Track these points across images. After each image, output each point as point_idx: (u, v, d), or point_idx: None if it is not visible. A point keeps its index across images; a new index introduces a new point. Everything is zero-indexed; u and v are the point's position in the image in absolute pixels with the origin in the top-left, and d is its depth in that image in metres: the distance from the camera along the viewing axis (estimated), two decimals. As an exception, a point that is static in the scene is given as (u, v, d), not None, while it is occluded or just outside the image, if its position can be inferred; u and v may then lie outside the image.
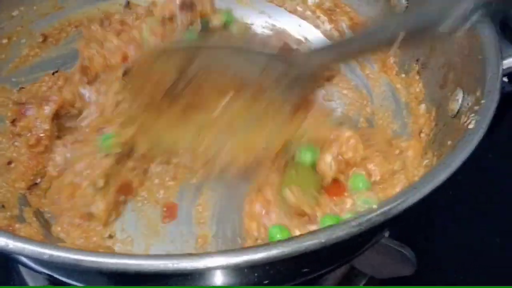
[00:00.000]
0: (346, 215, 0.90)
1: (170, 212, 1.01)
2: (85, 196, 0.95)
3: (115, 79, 1.08)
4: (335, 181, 0.96)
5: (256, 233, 0.94)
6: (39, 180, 1.05)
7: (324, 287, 1.05)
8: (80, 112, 1.11)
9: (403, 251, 0.98)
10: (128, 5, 1.35)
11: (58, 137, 1.08)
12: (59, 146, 1.05)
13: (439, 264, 1.09)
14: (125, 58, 1.16)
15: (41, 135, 1.05)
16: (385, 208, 0.70)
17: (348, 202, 0.91)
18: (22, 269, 1.08)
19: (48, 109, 1.06)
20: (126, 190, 1.00)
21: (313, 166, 0.96)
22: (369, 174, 0.96)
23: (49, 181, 1.04)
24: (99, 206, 0.94)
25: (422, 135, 1.05)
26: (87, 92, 1.12)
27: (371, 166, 0.97)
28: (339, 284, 1.06)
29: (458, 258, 1.12)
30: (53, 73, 1.22)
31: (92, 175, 0.96)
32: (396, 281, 1.04)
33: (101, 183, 0.96)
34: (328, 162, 0.95)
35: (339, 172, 0.96)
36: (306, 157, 0.95)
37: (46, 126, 1.05)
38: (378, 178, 0.96)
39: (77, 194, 0.96)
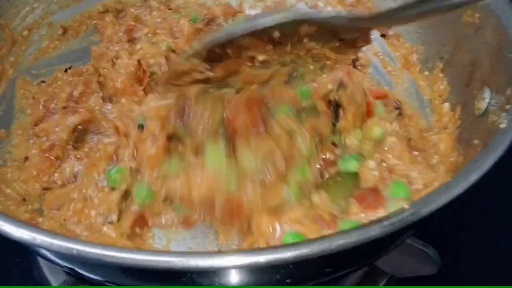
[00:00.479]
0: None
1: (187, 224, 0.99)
2: (97, 227, 0.92)
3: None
4: (373, 191, 0.90)
5: (269, 229, 0.92)
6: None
7: (344, 287, 1.04)
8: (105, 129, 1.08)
9: (426, 250, 0.97)
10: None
11: (75, 148, 1.06)
12: (71, 158, 1.03)
13: (462, 264, 1.08)
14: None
15: (56, 143, 1.03)
16: (417, 208, 0.69)
17: (380, 213, 0.86)
18: (42, 263, 1.07)
19: (71, 120, 1.04)
20: (141, 223, 0.95)
21: (355, 174, 0.93)
22: (411, 182, 0.92)
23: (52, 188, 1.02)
24: (112, 235, 0.92)
25: (448, 131, 1.03)
26: (108, 109, 1.10)
27: (414, 174, 0.93)
28: (360, 282, 1.05)
29: (481, 258, 1.10)
30: (65, 70, 1.22)
31: (102, 207, 0.93)
32: (418, 281, 1.03)
33: (114, 218, 0.92)
34: (371, 168, 0.92)
35: (381, 180, 0.92)
36: (350, 164, 0.93)
37: (64, 136, 1.04)
38: (420, 186, 0.92)
39: (86, 222, 0.93)
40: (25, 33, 1.22)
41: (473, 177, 0.74)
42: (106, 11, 1.31)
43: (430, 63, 1.17)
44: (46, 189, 1.02)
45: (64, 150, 1.04)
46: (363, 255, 0.84)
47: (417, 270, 1.01)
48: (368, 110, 1.01)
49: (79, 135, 1.06)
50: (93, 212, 0.92)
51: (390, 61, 1.26)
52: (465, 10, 1.06)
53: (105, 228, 0.91)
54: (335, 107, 0.99)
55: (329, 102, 0.98)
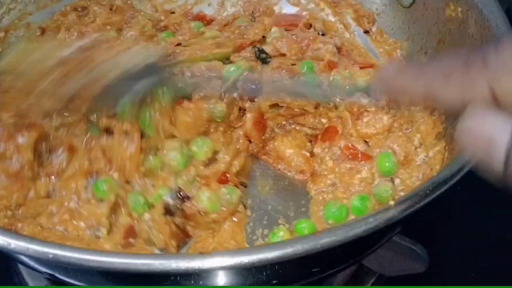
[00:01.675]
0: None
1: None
2: (87, 240, 0.87)
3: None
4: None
5: None
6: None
7: (332, 287, 1.03)
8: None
9: (414, 248, 0.96)
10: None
11: (40, 164, 0.94)
12: (42, 176, 0.93)
13: (451, 262, 1.07)
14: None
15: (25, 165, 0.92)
16: (403, 205, 0.68)
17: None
18: (23, 269, 1.05)
19: (25, 139, 0.92)
20: (133, 234, 0.89)
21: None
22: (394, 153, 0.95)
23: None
24: (105, 247, 0.86)
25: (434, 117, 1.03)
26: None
27: (394, 146, 0.96)
28: (348, 281, 1.04)
29: (470, 255, 1.10)
30: None
31: (91, 220, 0.88)
32: (406, 279, 1.02)
33: (104, 231, 0.87)
34: None
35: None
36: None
37: (30, 156, 0.92)
38: (402, 158, 0.94)
39: (74, 234, 0.87)
40: (1, 34, 1.19)
41: (460, 173, 0.73)
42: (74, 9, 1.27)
43: (414, 58, 1.16)
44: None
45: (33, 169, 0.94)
46: (350, 253, 0.83)
47: (406, 268, 1.00)
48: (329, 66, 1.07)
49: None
50: (81, 224, 0.87)
51: (374, 57, 1.24)
52: (448, 4, 1.06)
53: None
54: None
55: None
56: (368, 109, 1.00)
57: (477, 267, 1.08)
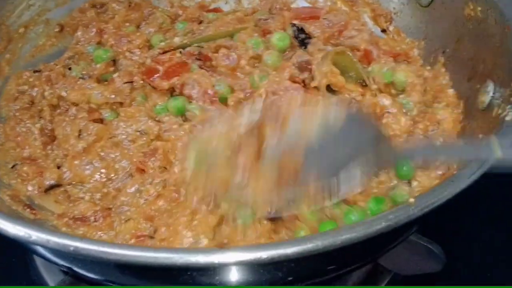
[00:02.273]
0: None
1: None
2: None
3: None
4: None
5: None
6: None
7: (347, 287, 1.03)
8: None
9: (431, 247, 0.96)
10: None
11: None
12: None
13: (467, 261, 1.06)
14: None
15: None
16: (423, 203, 0.68)
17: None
18: (39, 263, 1.06)
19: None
20: None
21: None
22: None
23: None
24: None
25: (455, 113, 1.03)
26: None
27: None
28: (363, 280, 1.03)
29: (486, 255, 1.09)
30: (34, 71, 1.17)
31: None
32: (421, 278, 1.01)
33: (205, 241, 0.83)
34: None
35: None
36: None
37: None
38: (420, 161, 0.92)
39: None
40: (21, 30, 1.20)
41: (479, 171, 0.72)
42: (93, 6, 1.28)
43: (432, 57, 1.16)
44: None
45: None
46: (368, 251, 0.83)
47: (422, 267, 1.00)
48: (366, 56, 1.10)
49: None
50: (189, 234, 0.85)
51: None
52: (467, 4, 1.05)
53: None
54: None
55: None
56: (390, 111, 1.00)
57: (494, 266, 1.07)
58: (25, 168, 0.98)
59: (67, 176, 0.98)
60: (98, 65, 1.13)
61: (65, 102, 1.08)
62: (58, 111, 1.09)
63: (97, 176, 0.97)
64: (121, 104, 1.08)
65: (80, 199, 0.94)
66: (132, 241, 0.85)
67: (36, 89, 1.11)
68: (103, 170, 0.97)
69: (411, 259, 0.98)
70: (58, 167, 1.00)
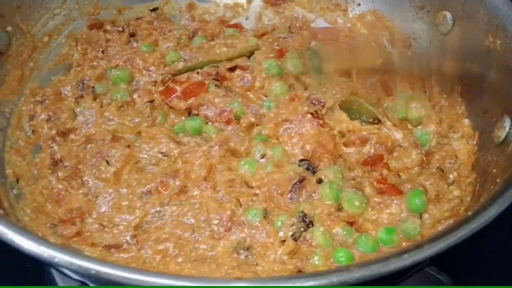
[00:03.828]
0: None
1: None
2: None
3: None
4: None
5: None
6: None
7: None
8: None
9: (440, 278, 0.97)
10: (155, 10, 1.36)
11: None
12: None
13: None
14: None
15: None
16: (438, 244, 0.69)
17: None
18: (55, 273, 1.07)
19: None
20: None
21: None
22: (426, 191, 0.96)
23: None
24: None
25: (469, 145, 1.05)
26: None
27: (427, 184, 0.97)
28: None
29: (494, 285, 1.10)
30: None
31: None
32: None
33: None
34: None
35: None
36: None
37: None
38: (433, 196, 0.96)
39: None
40: (46, 39, 1.22)
41: (493, 212, 0.74)
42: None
43: (449, 85, 1.16)
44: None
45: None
46: (379, 284, 0.84)
47: (427, 295, 1.01)
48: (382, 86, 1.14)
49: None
50: None
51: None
52: (487, 36, 1.06)
53: None
54: None
55: None
56: (401, 144, 1.02)
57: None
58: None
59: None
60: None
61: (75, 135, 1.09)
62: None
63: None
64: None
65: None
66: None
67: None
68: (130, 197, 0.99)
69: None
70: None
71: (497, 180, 0.88)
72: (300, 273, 0.81)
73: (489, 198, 0.77)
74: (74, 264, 0.66)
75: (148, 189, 0.99)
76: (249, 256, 0.90)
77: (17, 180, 1.02)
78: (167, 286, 0.64)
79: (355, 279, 0.65)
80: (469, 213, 0.74)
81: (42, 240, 0.70)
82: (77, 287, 1.01)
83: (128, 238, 0.93)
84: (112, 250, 0.92)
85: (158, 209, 0.97)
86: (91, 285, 0.83)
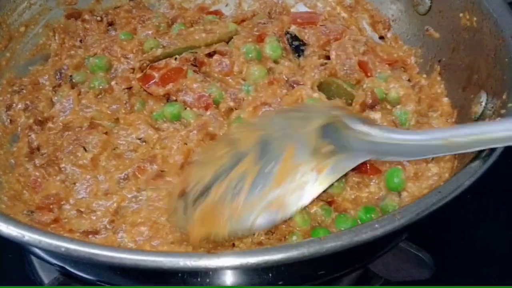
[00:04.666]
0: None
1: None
2: None
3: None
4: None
5: None
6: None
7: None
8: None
9: (420, 255, 0.97)
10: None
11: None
12: None
13: (455, 268, 1.07)
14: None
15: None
16: (408, 212, 0.69)
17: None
18: (35, 260, 1.07)
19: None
20: None
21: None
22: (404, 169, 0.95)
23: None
24: None
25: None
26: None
27: (405, 162, 0.95)
28: (353, 285, 1.05)
29: (474, 262, 1.10)
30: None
31: None
32: (411, 285, 1.02)
33: None
34: None
35: None
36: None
37: None
38: (412, 174, 0.95)
39: None
40: (22, 29, 1.21)
41: (466, 183, 0.74)
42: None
43: (428, 65, 1.17)
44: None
45: None
46: (356, 258, 0.84)
47: (411, 274, 1.01)
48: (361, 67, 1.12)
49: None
50: None
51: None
52: (464, 13, 1.06)
53: None
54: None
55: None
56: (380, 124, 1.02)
57: (482, 275, 1.08)
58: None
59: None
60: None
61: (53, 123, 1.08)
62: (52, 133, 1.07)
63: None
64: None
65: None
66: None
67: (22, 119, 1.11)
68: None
69: (401, 266, 0.99)
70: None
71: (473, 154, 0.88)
72: (271, 246, 0.81)
73: (461, 170, 0.77)
74: (43, 242, 0.66)
75: (126, 175, 0.98)
76: (227, 238, 0.90)
77: None
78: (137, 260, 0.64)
79: (326, 249, 0.65)
80: (441, 183, 0.74)
81: (12, 220, 0.69)
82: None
83: (105, 223, 0.92)
84: (90, 236, 0.91)
85: (134, 194, 0.96)
86: (69, 269, 0.83)
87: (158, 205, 0.94)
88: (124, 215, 0.94)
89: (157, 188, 0.96)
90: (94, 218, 0.93)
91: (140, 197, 0.96)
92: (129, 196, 0.96)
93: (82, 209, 0.95)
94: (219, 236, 0.83)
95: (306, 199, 0.85)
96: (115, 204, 0.94)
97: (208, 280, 0.75)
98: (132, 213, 0.93)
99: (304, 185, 0.84)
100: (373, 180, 0.95)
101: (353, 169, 0.97)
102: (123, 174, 0.98)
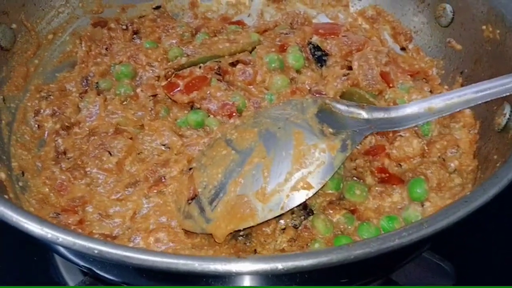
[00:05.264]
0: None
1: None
2: None
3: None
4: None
5: None
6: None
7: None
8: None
9: (442, 264, 0.97)
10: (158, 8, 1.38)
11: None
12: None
13: (477, 279, 1.07)
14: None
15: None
16: (435, 221, 0.69)
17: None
18: (59, 263, 1.09)
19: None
20: None
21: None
22: (427, 179, 0.96)
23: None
24: None
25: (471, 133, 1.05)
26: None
27: (428, 172, 0.98)
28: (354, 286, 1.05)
29: (496, 273, 1.10)
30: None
31: None
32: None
33: None
34: None
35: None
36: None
37: None
38: (435, 184, 0.96)
39: None
40: (50, 36, 1.24)
41: (492, 192, 0.74)
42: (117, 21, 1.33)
43: (450, 77, 1.18)
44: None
45: None
46: (381, 266, 0.84)
47: (432, 283, 1.01)
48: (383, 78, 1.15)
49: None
50: None
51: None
52: (486, 26, 1.07)
53: None
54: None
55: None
56: (402, 134, 1.03)
57: (503, 285, 1.08)
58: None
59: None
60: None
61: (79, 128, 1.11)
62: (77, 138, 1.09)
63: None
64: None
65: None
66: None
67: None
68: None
69: (422, 275, 1.00)
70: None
71: (497, 165, 0.88)
72: (298, 252, 0.81)
73: (487, 179, 0.77)
74: (77, 244, 0.67)
75: (137, 179, 1.01)
76: (247, 243, 0.91)
77: (23, 173, 1.03)
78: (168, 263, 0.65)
79: (354, 256, 0.66)
80: (468, 193, 0.75)
81: (45, 222, 0.71)
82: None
83: (124, 228, 0.95)
84: (108, 239, 0.93)
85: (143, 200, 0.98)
86: (96, 271, 0.84)
87: (164, 209, 0.97)
88: (135, 221, 0.96)
89: (161, 193, 0.99)
90: (114, 222, 0.96)
91: (147, 204, 0.98)
92: (144, 201, 0.98)
93: (103, 213, 0.97)
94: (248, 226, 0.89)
95: (327, 176, 0.92)
96: (130, 211, 0.97)
97: (230, 284, 0.76)
98: (142, 218, 0.96)
99: (321, 165, 0.92)
100: (396, 190, 0.96)
101: (376, 179, 0.99)
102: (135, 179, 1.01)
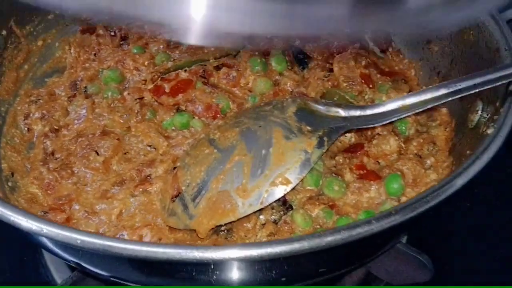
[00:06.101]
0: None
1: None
2: None
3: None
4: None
5: None
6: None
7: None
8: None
9: (420, 257, 1.00)
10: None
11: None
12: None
13: (455, 271, 1.10)
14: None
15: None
16: (405, 209, 0.72)
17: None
18: (49, 261, 1.11)
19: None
20: None
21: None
22: (403, 175, 0.99)
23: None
24: None
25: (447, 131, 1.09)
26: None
27: (404, 169, 1.01)
28: (355, 286, 1.08)
29: (474, 265, 1.13)
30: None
31: None
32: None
33: None
34: None
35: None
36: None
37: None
38: (411, 180, 0.99)
39: None
40: (40, 43, 1.28)
41: (459, 182, 0.77)
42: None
43: (428, 77, 1.21)
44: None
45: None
46: (356, 255, 0.87)
47: (412, 276, 1.04)
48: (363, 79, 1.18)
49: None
50: None
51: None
52: (462, 28, 1.11)
53: None
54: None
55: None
56: (380, 133, 1.06)
57: (481, 276, 1.10)
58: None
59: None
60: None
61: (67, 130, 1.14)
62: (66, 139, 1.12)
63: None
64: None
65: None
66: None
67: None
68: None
69: (401, 269, 1.02)
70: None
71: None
72: (271, 240, 0.84)
73: (458, 168, 0.80)
74: (61, 235, 0.70)
75: (124, 178, 1.04)
76: (229, 238, 0.94)
77: (12, 174, 1.06)
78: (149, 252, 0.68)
79: (326, 243, 0.69)
80: (436, 183, 0.78)
81: (31, 214, 0.74)
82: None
83: (110, 226, 0.98)
84: None
85: (130, 198, 1.01)
86: (84, 265, 0.87)
87: (150, 208, 1.00)
88: (121, 219, 0.99)
89: (147, 192, 1.02)
90: (100, 220, 0.99)
91: (134, 202, 1.01)
92: (132, 200, 1.01)
93: (90, 211, 1.00)
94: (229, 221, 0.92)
95: (304, 172, 0.96)
96: (116, 210, 1.00)
97: (214, 277, 0.79)
98: (128, 217, 0.99)
99: (299, 161, 0.96)
100: (373, 186, 0.99)
101: (354, 175, 1.02)
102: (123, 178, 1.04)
